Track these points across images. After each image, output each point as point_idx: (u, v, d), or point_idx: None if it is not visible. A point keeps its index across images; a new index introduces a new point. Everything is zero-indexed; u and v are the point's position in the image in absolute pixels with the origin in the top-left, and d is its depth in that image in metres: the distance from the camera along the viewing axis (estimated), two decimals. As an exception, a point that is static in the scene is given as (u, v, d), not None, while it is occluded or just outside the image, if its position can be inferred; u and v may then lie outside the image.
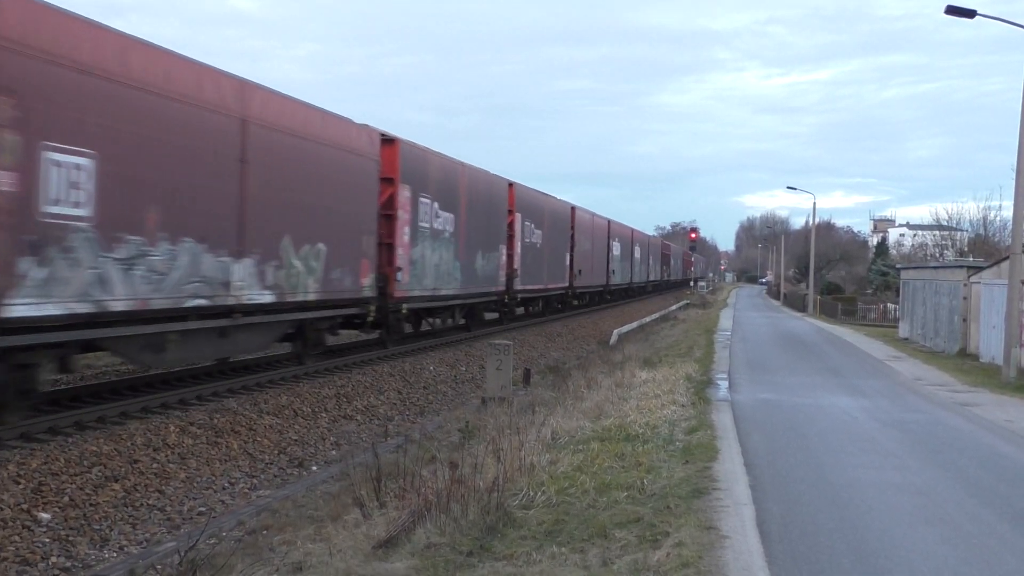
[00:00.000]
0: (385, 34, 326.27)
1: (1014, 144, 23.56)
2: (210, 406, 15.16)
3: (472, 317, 30.92)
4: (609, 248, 54.48)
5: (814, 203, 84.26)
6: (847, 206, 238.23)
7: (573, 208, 45.29)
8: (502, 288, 32.54)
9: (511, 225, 33.49)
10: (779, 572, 7.23)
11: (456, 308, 28.72)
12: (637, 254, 67.40)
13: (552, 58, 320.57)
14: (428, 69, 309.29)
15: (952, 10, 23.51)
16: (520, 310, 38.20)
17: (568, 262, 43.43)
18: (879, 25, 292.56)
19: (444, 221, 25.98)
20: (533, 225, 36.83)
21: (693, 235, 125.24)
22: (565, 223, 43.04)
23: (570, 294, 44.70)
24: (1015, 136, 23.39)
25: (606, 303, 56.89)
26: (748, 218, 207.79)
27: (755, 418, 15.28)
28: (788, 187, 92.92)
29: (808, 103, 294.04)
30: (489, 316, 34.00)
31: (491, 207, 31.15)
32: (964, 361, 28.93)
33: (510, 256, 33.25)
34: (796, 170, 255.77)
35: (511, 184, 34.06)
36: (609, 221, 55.19)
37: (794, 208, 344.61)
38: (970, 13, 23.62)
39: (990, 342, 28.20)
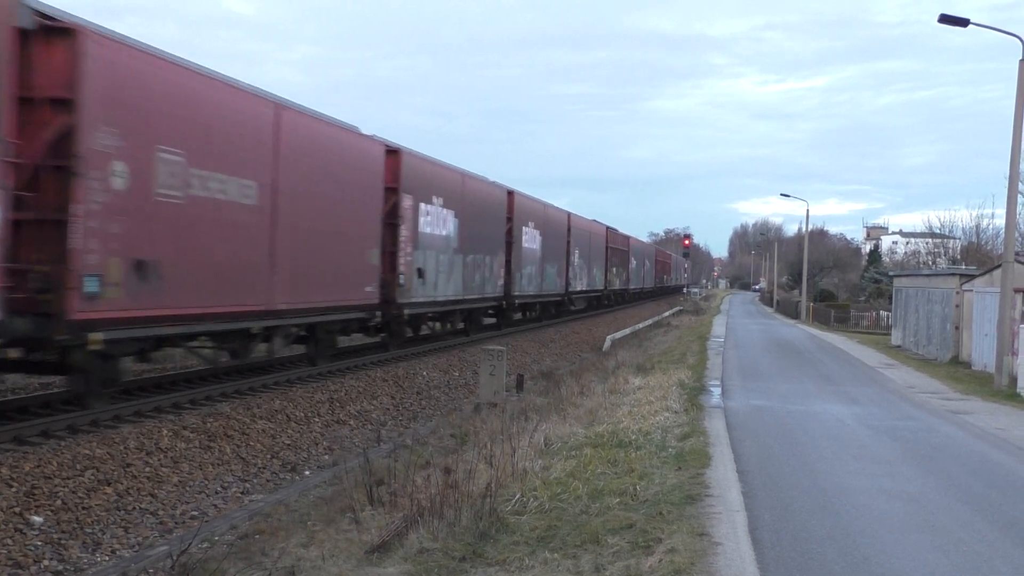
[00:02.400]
0: (380, 37, 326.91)
1: (1008, 152, 23.67)
2: (203, 410, 15.14)
3: (471, 322, 31.55)
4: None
5: (807, 210, 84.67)
6: (841, 213, 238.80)
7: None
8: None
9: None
10: (771, 578, 7.25)
11: (456, 313, 29.41)
12: (532, 242, 36.95)
13: (548, 62, 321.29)
14: (423, 72, 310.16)
15: (945, 19, 23.59)
16: (517, 315, 38.50)
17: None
18: (876, 31, 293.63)
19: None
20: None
21: (687, 241, 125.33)
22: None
23: (567, 300, 44.83)
24: (1009, 144, 23.47)
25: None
26: (742, 224, 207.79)
27: (748, 425, 15.31)
28: (782, 194, 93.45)
29: (804, 109, 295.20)
30: (487, 321, 34.48)
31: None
32: (956, 369, 29.02)
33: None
34: (791, 176, 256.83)
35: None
36: (465, 176, 29.37)
37: (788, 215, 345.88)
38: (963, 22, 23.68)
39: (982, 350, 28.28)
